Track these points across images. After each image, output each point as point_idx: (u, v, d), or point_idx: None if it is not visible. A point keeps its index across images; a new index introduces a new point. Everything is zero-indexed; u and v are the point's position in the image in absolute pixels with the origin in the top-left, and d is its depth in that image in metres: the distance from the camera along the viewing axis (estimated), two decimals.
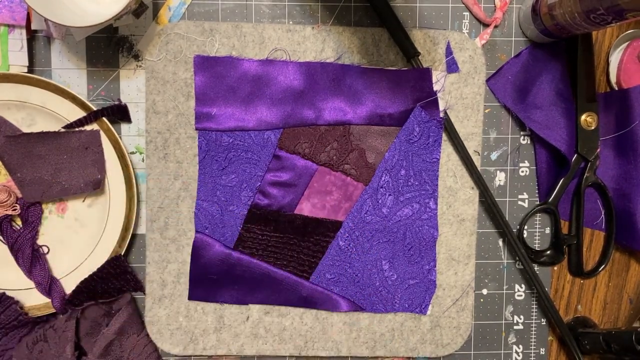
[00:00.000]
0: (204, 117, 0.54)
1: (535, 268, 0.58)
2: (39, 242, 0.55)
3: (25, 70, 0.53)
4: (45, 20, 0.52)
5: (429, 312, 0.56)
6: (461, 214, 0.56)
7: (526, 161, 0.57)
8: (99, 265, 0.53)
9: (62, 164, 0.53)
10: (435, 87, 0.55)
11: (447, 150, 0.55)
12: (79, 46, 0.54)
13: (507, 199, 0.57)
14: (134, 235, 0.55)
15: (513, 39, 0.56)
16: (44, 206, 0.55)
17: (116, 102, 0.54)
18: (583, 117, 0.55)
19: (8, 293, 0.53)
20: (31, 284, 0.54)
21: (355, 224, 0.55)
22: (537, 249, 0.58)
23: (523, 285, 0.58)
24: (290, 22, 0.55)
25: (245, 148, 0.54)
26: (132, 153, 0.55)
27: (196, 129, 0.54)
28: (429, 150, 0.55)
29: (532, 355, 0.58)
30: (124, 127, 0.55)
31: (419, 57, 0.54)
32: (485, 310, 0.58)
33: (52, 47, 0.54)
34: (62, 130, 0.53)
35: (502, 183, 0.57)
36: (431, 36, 0.55)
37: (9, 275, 0.54)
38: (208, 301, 0.55)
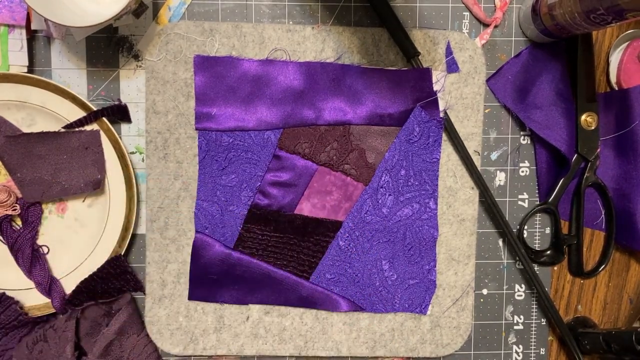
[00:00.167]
0: (204, 117, 0.54)
1: (535, 268, 0.58)
2: (39, 242, 0.55)
3: (25, 70, 0.53)
4: (45, 20, 0.52)
5: (429, 312, 0.56)
6: (461, 214, 0.56)
7: (526, 161, 0.57)
8: (99, 265, 0.53)
9: (62, 164, 0.53)
10: (435, 87, 0.55)
11: (447, 150, 0.55)
12: (79, 46, 0.54)
13: (507, 199, 0.57)
14: (134, 235, 0.55)
15: (513, 39, 0.56)
16: (44, 206, 0.55)
17: (116, 102, 0.54)
18: (583, 117, 0.55)
19: (8, 293, 0.53)
20: (31, 284, 0.54)
21: (355, 224, 0.55)
22: (537, 249, 0.58)
23: (523, 285, 0.58)
24: (290, 22, 0.55)
25: (245, 148, 0.54)
26: (132, 153, 0.55)
27: (196, 129, 0.54)
28: (429, 150, 0.55)
29: (532, 355, 0.58)
30: (124, 127, 0.55)
31: (419, 57, 0.54)
32: (485, 310, 0.58)
33: (52, 47, 0.54)
34: (62, 130, 0.53)
35: (502, 183, 0.57)
36: (431, 36, 0.55)
37: (9, 275, 0.54)
38: (208, 301, 0.55)
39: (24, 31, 0.52)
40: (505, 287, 0.58)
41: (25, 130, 0.53)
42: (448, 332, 0.56)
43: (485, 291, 0.58)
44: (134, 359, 0.54)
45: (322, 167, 0.55)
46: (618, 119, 0.56)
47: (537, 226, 0.58)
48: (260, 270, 0.55)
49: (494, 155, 0.57)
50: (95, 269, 0.53)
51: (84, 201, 0.55)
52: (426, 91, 0.55)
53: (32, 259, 0.53)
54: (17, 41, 0.53)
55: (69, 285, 0.54)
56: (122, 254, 0.54)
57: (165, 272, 0.55)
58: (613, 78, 0.57)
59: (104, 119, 0.53)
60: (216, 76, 0.54)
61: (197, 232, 0.55)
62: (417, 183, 0.55)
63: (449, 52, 0.55)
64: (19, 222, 0.55)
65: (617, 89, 0.57)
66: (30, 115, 0.53)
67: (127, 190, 0.53)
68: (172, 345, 0.55)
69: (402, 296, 0.56)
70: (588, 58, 0.55)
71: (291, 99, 0.54)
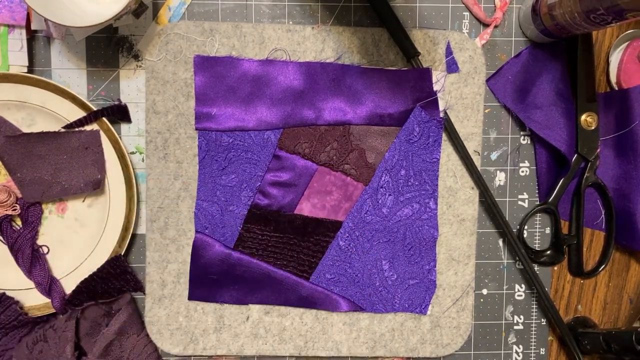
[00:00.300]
0: (204, 117, 0.54)
1: (535, 268, 0.58)
2: (39, 242, 0.55)
3: (25, 70, 0.53)
4: (45, 20, 0.52)
5: (429, 312, 0.56)
6: (461, 214, 0.56)
7: (526, 161, 0.57)
8: (99, 265, 0.53)
9: (62, 164, 0.53)
10: (435, 87, 0.55)
11: (447, 150, 0.55)
12: (79, 46, 0.54)
13: (507, 199, 0.57)
14: (134, 235, 0.55)
15: (513, 39, 0.56)
16: (44, 206, 0.55)
17: (116, 102, 0.54)
18: (583, 117, 0.55)
19: (8, 293, 0.53)
20: (31, 284, 0.54)
21: (355, 224, 0.55)
22: (537, 249, 0.58)
23: (523, 285, 0.58)
24: (290, 22, 0.55)
25: (245, 148, 0.54)
26: (132, 153, 0.55)
27: (196, 129, 0.54)
28: (429, 150, 0.55)
29: (532, 355, 0.58)
30: (124, 127, 0.55)
31: (419, 57, 0.54)
32: (485, 310, 0.58)
33: (52, 47, 0.54)
34: (62, 130, 0.53)
35: (502, 183, 0.57)
36: (431, 36, 0.55)
37: (9, 275, 0.54)
38: (208, 301, 0.55)
39: (24, 31, 0.52)
40: (505, 287, 0.58)
41: (25, 130, 0.53)
42: (448, 332, 0.56)
43: (485, 291, 0.58)
44: (134, 359, 0.54)
45: (322, 167, 0.55)
46: (618, 119, 0.56)
47: (537, 226, 0.58)
48: (260, 270, 0.55)
49: (494, 155, 0.57)
50: (95, 269, 0.53)
51: (84, 201, 0.55)
52: (426, 91, 0.55)
53: (32, 259, 0.53)
54: (17, 41, 0.53)
55: (69, 285, 0.54)
56: (122, 254, 0.54)
57: (165, 272, 0.55)
58: (613, 78, 0.57)
59: (104, 119, 0.53)
60: (216, 76, 0.54)
61: (197, 232, 0.55)
62: (417, 183, 0.55)
63: (449, 52, 0.55)
64: (19, 222, 0.55)
65: (617, 89, 0.57)
66: (30, 115, 0.53)
67: (127, 190, 0.53)
68: (172, 345, 0.55)
69: (402, 296, 0.56)
70: (588, 58, 0.55)
71: (291, 99, 0.54)
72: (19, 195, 0.54)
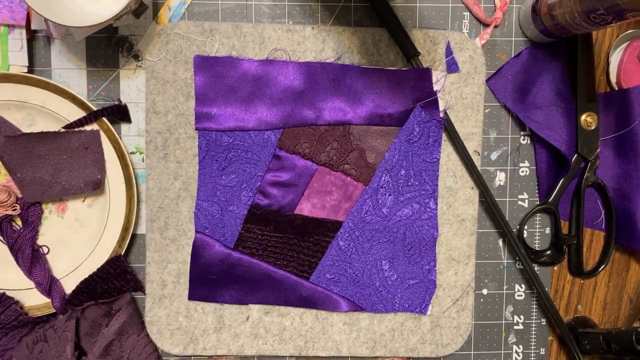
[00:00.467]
0: (204, 117, 0.54)
1: (535, 268, 0.58)
2: (39, 242, 0.55)
3: (25, 70, 0.53)
4: (45, 20, 0.52)
5: (429, 312, 0.56)
6: (461, 214, 0.56)
7: (526, 161, 0.57)
8: (99, 265, 0.53)
9: (62, 164, 0.53)
10: (435, 87, 0.55)
11: (447, 150, 0.55)
12: (79, 46, 0.54)
13: (507, 199, 0.57)
14: (134, 235, 0.55)
15: (513, 39, 0.56)
16: (44, 206, 0.55)
17: (116, 102, 0.54)
18: (583, 117, 0.55)
19: (8, 293, 0.53)
20: (31, 284, 0.54)
21: (355, 224, 0.55)
22: (537, 249, 0.58)
23: (523, 285, 0.58)
24: (290, 22, 0.55)
25: (245, 148, 0.54)
26: (132, 153, 0.55)
27: (196, 129, 0.54)
28: (429, 150, 0.55)
29: (532, 355, 0.58)
30: (124, 127, 0.55)
31: (419, 57, 0.54)
32: (485, 310, 0.58)
33: (52, 47, 0.54)
34: (62, 130, 0.53)
35: (502, 183, 0.57)
36: (431, 36, 0.55)
37: (9, 275, 0.54)
38: (208, 301, 0.55)
39: (24, 31, 0.52)
40: (505, 287, 0.58)
41: (25, 130, 0.53)
42: (448, 332, 0.56)
43: (485, 291, 0.58)
44: (134, 359, 0.54)
45: (322, 167, 0.55)
46: (618, 119, 0.56)
47: (537, 226, 0.58)
48: (260, 270, 0.55)
49: (494, 155, 0.57)
50: (95, 269, 0.53)
51: (84, 201, 0.55)
52: (426, 91, 0.55)
53: (32, 259, 0.53)
54: (17, 41, 0.53)
55: (69, 285, 0.54)
56: (122, 254, 0.54)
57: (165, 272, 0.55)
58: (613, 78, 0.57)
59: (104, 119, 0.53)
60: (216, 76, 0.54)
61: (197, 232, 0.55)
62: (417, 183, 0.55)
63: (449, 52, 0.55)
64: (19, 222, 0.55)
65: (617, 89, 0.57)
66: (30, 115, 0.53)
67: (127, 190, 0.53)
68: (172, 345, 0.55)
69: (402, 296, 0.56)
70: (588, 58, 0.55)
71: (291, 99, 0.54)
72: (19, 195, 0.54)
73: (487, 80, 0.56)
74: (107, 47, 0.54)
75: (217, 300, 0.55)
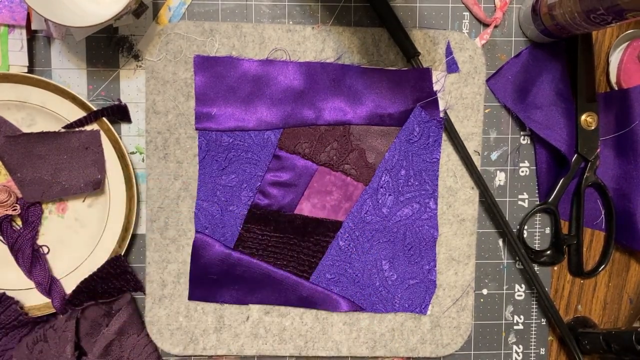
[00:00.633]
0: (204, 117, 0.54)
1: (535, 268, 0.58)
2: (39, 242, 0.55)
3: (25, 70, 0.53)
4: (45, 20, 0.52)
5: (429, 312, 0.56)
6: (461, 214, 0.56)
7: (526, 161, 0.57)
8: (99, 265, 0.53)
9: (62, 164, 0.53)
10: (435, 87, 0.55)
11: (447, 150, 0.55)
12: (79, 46, 0.54)
13: (507, 199, 0.57)
14: (134, 235, 0.55)
15: (513, 39, 0.56)
16: (44, 206, 0.55)
17: (116, 102, 0.54)
18: (583, 117, 0.55)
19: (8, 293, 0.53)
20: (31, 284, 0.54)
21: (355, 224, 0.55)
22: (537, 249, 0.58)
23: (523, 285, 0.58)
24: (290, 22, 0.55)
25: (245, 148, 0.54)
26: (132, 153, 0.55)
27: (196, 129, 0.54)
28: (429, 150, 0.55)
29: (532, 355, 0.58)
30: (124, 127, 0.55)
31: (419, 57, 0.54)
32: (485, 310, 0.58)
33: (52, 47, 0.54)
34: (62, 130, 0.53)
35: (502, 183, 0.57)
36: (431, 36, 0.55)
37: (9, 275, 0.54)
38: (208, 301, 0.55)
39: (24, 31, 0.52)
40: (505, 287, 0.58)
41: (25, 130, 0.53)
42: (448, 332, 0.56)
43: (485, 291, 0.58)
44: (134, 359, 0.54)
45: (322, 167, 0.55)
46: (618, 119, 0.56)
47: (537, 226, 0.58)
48: (260, 270, 0.55)
49: (494, 155, 0.57)
50: (95, 269, 0.53)
51: (84, 201, 0.55)
52: (426, 91, 0.55)
53: (32, 259, 0.53)
54: (17, 41, 0.53)
55: (69, 285, 0.54)
56: (122, 254, 0.54)
57: (165, 272, 0.55)
58: (613, 78, 0.57)
59: (104, 119, 0.53)
60: (216, 76, 0.54)
61: (197, 232, 0.55)
62: (417, 183, 0.55)
63: (449, 52, 0.55)
64: (19, 222, 0.55)
65: (617, 89, 0.57)
66: (30, 115, 0.53)
67: (127, 190, 0.53)
68: (172, 345, 0.55)
69: (402, 296, 0.56)
70: (588, 58, 0.55)
71: (291, 99, 0.54)
72: (19, 195, 0.54)
73: (487, 80, 0.56)
74: (107, 47, 0.54)
75: (217, 300, 0.55)
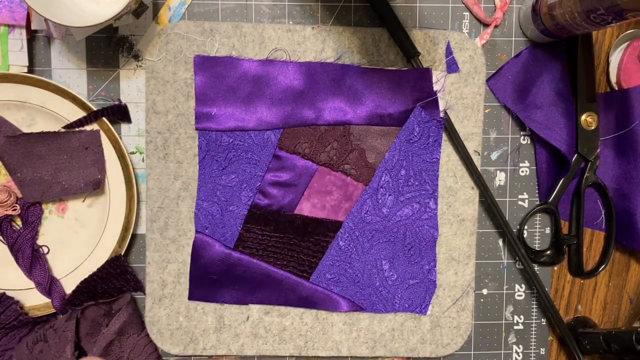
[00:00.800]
0: (204, 117, 0.54)
1: (535, 268, 0.58)
2: (39, 242, 0.55)
3: (25, 70, 0.53)
4: (45, 20, 0.52)
5: (429, 312, 0.56)
6: (461, 214, 0.56)
7: (526, 161, 0.57)
8: (99, 265, 0.53)
9: (62, 164, 0.53)
10: (435, 87, 0.55)
11: (447, 150, 0.55)
12: (79, 46, 0.54)
13: (507, 199, 0.57)
14: (134, 235, 0.55)
15: (513, 39, 0.56)
16: (44, 206, 0.55)
17: (116, 102, 0.54)
18: (583, 117, 0.55)
19: (8, 293, 0.53)
20: (31, 284, 0.54)
21: (355, 224, 0.55)
22: (537, 249, 0.58)
23: (523, 285, 0.58)
24: (290, 22, 0.55)
25: (245, 148, 0.54)
26: (132, 153, 0.55)
27: (196, 129, 0.54)
28: (429, 150, 0.55)
29: (532, 355, 0.58)
30: (124, 127, 0.55)
31: (419, 57, 0.54)
32: (485, 310, 0.58)
33: (52, 47, 0.54)
34: (62, 130, 0.53)
35: (502, 183, 0.57)
36: (431, 36, 0.55)
37: (9, 275, 0.54)
38: (208, 301, 0.55)
39: (24, 31, 0.52)
40: (505, 287, 0.58)
41: (25, 130, 0.53)
42: (448, 332, 0.56)
43: (485, 291, 0.58)
44: (134, 359, 0.54)
45: (322, 167, 0.55)
46: (618, 119, 0.56)
47: (537, 226, 0.58)
48: (260, 270, 0.55)
49: (494, 155, 0.57)
50: (95, 269, 0.53)
51: (84, 201, 0.55)
52: (426, 91, 0.55)
53: (32, 259, 0.53)
54: (17, 41, 0.53)
55: (69, 285, 0.54)
56: (122, 254, 0.54)
57: (165, 272, 0.55)
58: (613, 78, 0.57)
59: (104, 119, 0.53)
60: (216, 76, 0.54)
61: (197, 232, 0.55)
62: (417, 183, 0.55)
63: (449, 52, 0.55)
64: (19, 222, 0.55)
65: (617, 89, 0.57)
66: (30, 115, 0.53)
67: (127, 190, 0.53)
68: (172, 345, 0.55)
69: (402, 296, 0.56)
70: (588, 58, 0.55)
71: (291, 99, 0.54)
72: (19, 195, 0.54)
73: (487, 80, 0.56)
74: (107, 47, 0.54)
75: (217, 300, 0.55)
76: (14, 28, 0.52)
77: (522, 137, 0.57)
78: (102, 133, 0.53)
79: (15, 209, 0.54)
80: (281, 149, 0.55)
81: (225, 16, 0.55)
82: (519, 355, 0.58)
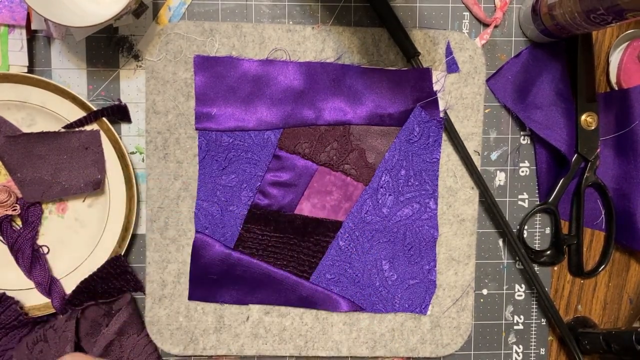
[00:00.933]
0: (204, 117, 0.54)
1: (535, 268, 0.58)
2: (39, 242, 0.55)
3: (25, 70, 0.53)
4: (45, 20, 0.52)
5: (429, 312, 0.56)
6: (461, 214, 0.56)
7: (526, 161, 0.57)
8: (99, 265, 0.53)
9: (62, 164, 0.53)
10: (435, 87, 0.55)
11: (447, 150, 0.55)
12: (79, 46, 0.54)
13: (507, 199, 0.57)
14: (134, 235, 0.55)
15: (513, 39, 0.56)
16: (44, 206, 0.55)
17: (116, 102, 0.54)
18: (583, 117, 0.55)
19: (8, 293, 0.53)
20: (31, 284, 0.54)
21: (355, 224, 0.55)
22: (537, 249, 0.58)
23: (523, 285, 0.58)
24: (290, 22, 0.55)
25: (245, 148, 0.54)
26: (132, 153, 0.55)
27: (196, 129, 0.54)
28: (429, 150, 0.55)
29: (532, 355, 0.58)
30: (124, 127, 0.55)
31: (419, 57, 0.54)
32: (485, 310, 0.58)
33: (52, 47, 0.54)
34: (62, 130, 0.53)
35: (502, 183, 0.57)
36: (431, 36, 0.55)
37: (9, 275, 0.54)
38: (208, 301, 0.55)
39: (24, 31, 0.52)
40: (505, 287, 0.58)
41: (25, 130, 0.53)
42: (448, 332, 0.56)
43: (485, 291, 0.58)
44: (134, 359, 0.54)
45: (322, 167, 0.55)
46: (618, 119, 0.56)
47: (537, 226, 0.58)
48: (260, 270, 0.55)
49: (494, 155, 0.57)
50: (95, 269, 0.53)
51: (84, 201, 0.55)
52: (426, 91, 0.55)
53: (32, 259, 0.53)
54: (17, 41, 0.53)
55: (69, 285, 0.54)
56: (122, 254, 0.54)
57: (165, 272, 0.55)
58: (613, 78, 0.57)
59: (104, 119, 0.53)
60: (216, 76, 0.54)
61: (197, 232, 0.55)
62: (417, 183, 0.55)
63: (449, 52, 0.55)
64: (19, 222, 0.55)
65: (617, 89, 0.57)
66: (30, 115, 0.53)
67: (127, 190, 0.53)
68: (172, 345, 0.55)
69: (402, 296, 0.56)
70: (588, 58, 0.55)
71: (291, 99, 0.54)
72: (19, 195, 0.54)
73: (487, 80, 0.56)
74: (107, 47, 0.54)
75: (217, 300, 0.55)
76: (14, 28, 0.52)
77: (522, 137, 0.57)
78: (102, 133, 0.53)
79: (15, 209, 0.54)
80: (281, 149, 0.55)
81: (225, 16, 0.55)
82: (519, 355, 0.58)
